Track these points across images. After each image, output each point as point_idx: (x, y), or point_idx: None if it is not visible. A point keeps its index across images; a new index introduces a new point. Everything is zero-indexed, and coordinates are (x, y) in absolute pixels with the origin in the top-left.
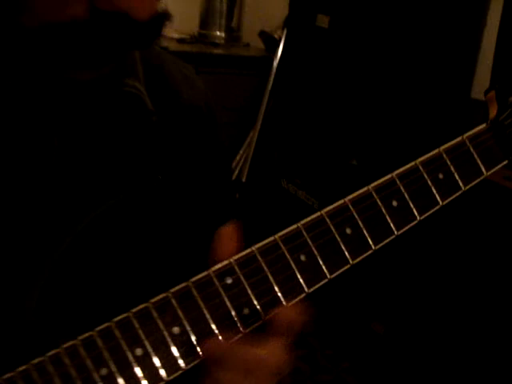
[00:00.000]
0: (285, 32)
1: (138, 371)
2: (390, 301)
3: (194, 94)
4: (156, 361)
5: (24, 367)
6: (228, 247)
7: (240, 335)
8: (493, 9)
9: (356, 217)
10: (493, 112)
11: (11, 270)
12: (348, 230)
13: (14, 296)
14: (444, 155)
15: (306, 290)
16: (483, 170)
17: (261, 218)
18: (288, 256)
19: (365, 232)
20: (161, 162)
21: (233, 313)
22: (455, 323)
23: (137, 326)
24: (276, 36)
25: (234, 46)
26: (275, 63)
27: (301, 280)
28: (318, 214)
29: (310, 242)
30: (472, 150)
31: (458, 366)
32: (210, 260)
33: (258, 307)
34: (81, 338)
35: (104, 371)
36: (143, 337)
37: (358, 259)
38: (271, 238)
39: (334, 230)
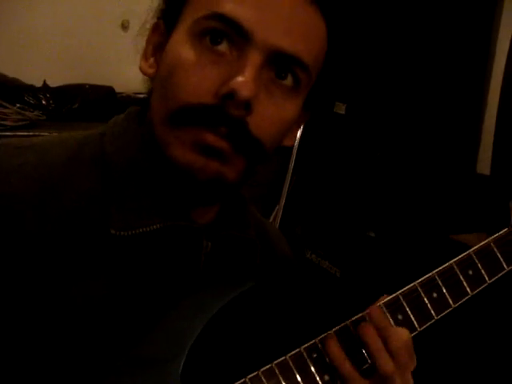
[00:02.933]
0: None
1: None
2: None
3: (283, 247)
4: None
5: None
6: None
7: None
8: (493, 88)
9: (405, 305)
10: None
11: (167, 337)
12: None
13: (169, 359)
14: (473, 256)
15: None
16: (505, 265)
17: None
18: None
19: (412, 317)
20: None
21: None
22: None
23: None
24: None
25: None
26: (296, 143)
27: None
28: (378, 304)
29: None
30: (496, 250)
31: None
32: None
33: None
34: None
35: None
36: None
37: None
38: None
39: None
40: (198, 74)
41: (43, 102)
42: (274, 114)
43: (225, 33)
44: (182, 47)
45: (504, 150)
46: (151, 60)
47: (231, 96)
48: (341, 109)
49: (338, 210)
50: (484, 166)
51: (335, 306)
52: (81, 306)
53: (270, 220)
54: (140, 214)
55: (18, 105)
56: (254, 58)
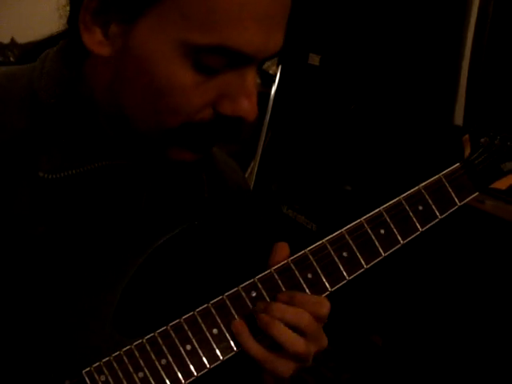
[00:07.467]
0: (279, 68)
1: (189, 363)
2: (387, 315)
3: (237, 178)
4: (201, 353)
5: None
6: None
7: None
8: (469, 40)
9: (351, 243)
10: (467, 152)
11: (98, 280)
12: (345, 254)
13: (101, 301)
14: (423, 191)
15: None
16: (456, 200)
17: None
18: (298, 275)
19: (358, 254)
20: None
21: None
22: (450, 334)
23: (186, 328)
24: (271, 72)
25: None
26: (271, 97)
27: (308, 292)
28: (321, 241)
29: (315, 264)
30: (447, 185)
31: (455, 375)
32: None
33: None
34: (147, 337)
35: (163, 361)
36: (191, 336)
37: (353, 275)
38: (284, 262)
39: (333, 254)
40: (198, 95)
41: (11, 59)
42: None
43: (226, 63)
44: (172, 68)
45: (475, 101)
46: (98, 34)
47: (237, 119)
48: (315, 60)
49: (314, 165)
50: (460, 117)
51: None
52: (10, 252)
53: (246, 176)
54: (67, 157)
55: None
56: (253, 75)
